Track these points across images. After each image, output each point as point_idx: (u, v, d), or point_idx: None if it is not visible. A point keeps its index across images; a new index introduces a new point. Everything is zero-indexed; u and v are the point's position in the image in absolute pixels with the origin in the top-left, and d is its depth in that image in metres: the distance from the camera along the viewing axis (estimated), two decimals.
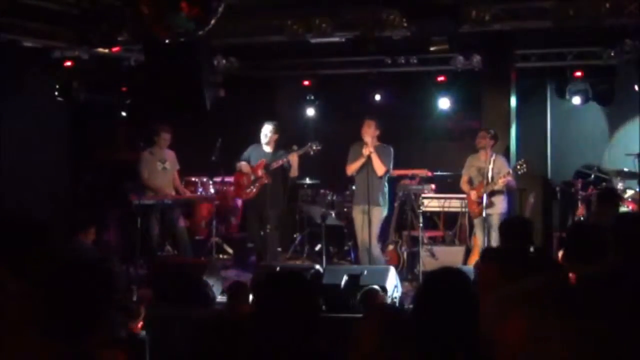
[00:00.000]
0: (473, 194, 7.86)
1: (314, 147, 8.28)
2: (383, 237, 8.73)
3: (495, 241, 7.64)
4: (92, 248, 7.15)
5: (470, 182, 8.06)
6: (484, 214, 7.71)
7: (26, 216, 3.02)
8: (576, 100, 9.22)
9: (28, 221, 2.92)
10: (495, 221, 7.69)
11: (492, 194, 7.73)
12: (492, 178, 7.68)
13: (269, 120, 8.62)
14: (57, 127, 9.02)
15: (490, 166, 7.72)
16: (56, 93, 8.35)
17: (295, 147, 8.38)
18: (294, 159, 8.23)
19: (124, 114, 9.36)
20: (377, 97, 9.91)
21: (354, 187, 8.27)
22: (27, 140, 8.52)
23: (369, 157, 7.68)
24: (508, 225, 4.98)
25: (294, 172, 8.38)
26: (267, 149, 8.46)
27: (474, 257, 7.69)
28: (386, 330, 2.36)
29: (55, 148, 9.00)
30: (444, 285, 2.53)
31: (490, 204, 7.71)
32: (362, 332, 2.38)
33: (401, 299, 7.03)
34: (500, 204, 7.81)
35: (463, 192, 8.35)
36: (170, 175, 8.82)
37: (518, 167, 7.62)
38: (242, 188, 8.54)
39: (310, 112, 10.41)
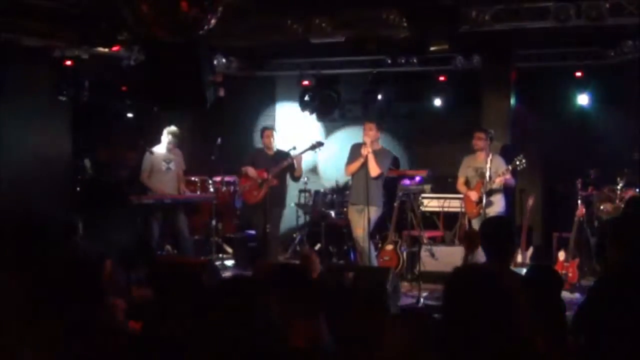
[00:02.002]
0: (473, 195, 7.84)
1: (316, 146, 8.33)
2: (382, 237, 8.73)
3: None
4: (89, 246, 7.13)
5: (467, 183, 8.04)
6: (482, 214, 7.70)
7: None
8: (577, 100, 9.23)
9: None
10: None
11: (490, 193, 7.72)
12: (490, 177, 7.67)
13: (270, 125, 8.68)
14: (58, 126, 9.02)
15: (488, 165, 7.70)
16: (58, 94, 8.35)
17: (295, 147, 8.40)
18: (298, 159, 8.29)
19: (130, 115, 9.37)
20: (377, 97, 9.91)
21: (350, 187, 8.30)
22: (27, 139, 8.52)
23: (367, 158, 7.69)
24: (487, 225, 4.47)
25: (299, 171, 8.43)
26: (270, 152, 8.53)
27: None
28: (416, 333, 2.32)
29: (56, 147, 9.00)
30: (472, 284, 2.51)
31: (488, 204, 7.70)
32: (391, 335, 2.34)
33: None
34: (499, 203, 7.80)
35: (460, 193, 8.36)
36: (174, 175, 8.82)
37: (517, 162, 7.60)
38: (250, 192, 8.58)
39: (310, 111, 10.41)
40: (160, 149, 8.71)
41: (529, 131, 9.70)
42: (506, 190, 7.95)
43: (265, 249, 8.43)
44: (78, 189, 9.22)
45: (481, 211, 7.71)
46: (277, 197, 8.41)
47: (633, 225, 3.64)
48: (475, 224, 7.85)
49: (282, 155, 8.43)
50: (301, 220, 9.82)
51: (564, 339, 3.38)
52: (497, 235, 4.02)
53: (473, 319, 2.39)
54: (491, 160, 7.70)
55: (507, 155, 8.37)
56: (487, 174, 7.66)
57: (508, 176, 7.66)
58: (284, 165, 8.29)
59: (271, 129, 8.63)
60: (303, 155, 8.40)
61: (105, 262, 4.90)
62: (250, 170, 8.49)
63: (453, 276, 2.68)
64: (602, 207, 8.40)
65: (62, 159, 9.09)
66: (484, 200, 7.64)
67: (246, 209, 9.18)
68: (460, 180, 8.12)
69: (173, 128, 8.78)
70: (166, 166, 8.73)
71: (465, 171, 8.09)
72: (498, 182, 7.61)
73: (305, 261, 5.82)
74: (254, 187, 8.46)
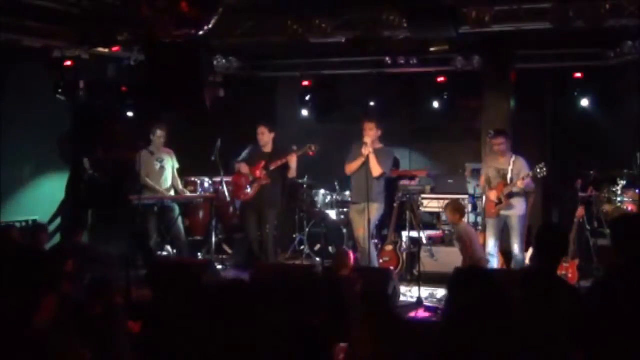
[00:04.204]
0: (493, 195, 7.80)
1: (313, 148, 8.28)
2: (382, 238, 8.73)
3: (515, 243, 7.60)
4: (89, 246, 7.15)
5: (488, 182, 7.99)
6: (502, 214, 7.69)
7: None
8: (577, 101, 9.22)
9: None
10: (514, 223, 7.62)
11: (511, 195, 7.66)
12: (512, 179, 7.65)
13: (264, 121, 8.63)
14: (57, 127, 9.02)
15: (510, 167, 7.68)
16: (56, 93, 8.35)
17: (294, 147, 8.39)
18: (292, 159, 8.24)
19: (130, 114, 9.38)
20: (377, 98, 9.91)
21: (351, 187, 8.31)
22: (27, 139, 8.52)
23: (367, 157, 7.70)
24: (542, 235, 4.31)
25: (293, 172, 8.38)
26: (266, 149, 8.47)
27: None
28: (384, 333, 2.37)
29: (55, 147, 9.00)
30: (474, 285, 2.52)
31: (510, 206, 7.67)
32: (360, 335, 2.39)
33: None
34: (520, 206, 7.74)
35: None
36: (168, 175, 8.82)
37: (538, 170, 7.54)
38: (241, 189, 8.54)
39: (310, 112, 10.40)
40: (154, 148, 8.74)
41: (528, 132, 9.70)
42: (526, 192, 7.86)
43: (262, 250, 8.44)
44: (78, 189, 9.21)
45: (500, 213, 7.70)
46: (273, 198, 8.39)
47: (633, 226, 3.64)
48: (491, 224, 7.81)
49: (278, 154, 8.39)
50: (301, 221, 9.82)
51: (561, 339, 3.38)
52: (552, 243, 4.02)
53: (475, 317, 2.40)
54: (514, 162, 7.69)
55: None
56: (509, 176, 7.65)
57: (529, 180, 7.62)
58: (277, 164, 8.28)
59: (263, 125, 8.51)
60: (300, 157, 8.37)
61: (67, 260, 4.92)
62: (243, 167, 8.48)
63: (456, 276, 2.69)
64: (602, 208, 8.40)
65: (62, 158, 9.09)
66: (503, 202, 7.63)
67: (244, 209, 9.17)
68: (483, 179, 8.05)
69: (161, 125, 8.80)
70: (159, 165, 8.74)
71: (487, 170, 8.01)
72: (520, 185, 7.57)
73: (340, 259, 6.01)
74: (246, 183, 8.45)
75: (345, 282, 5.74)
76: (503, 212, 7.68)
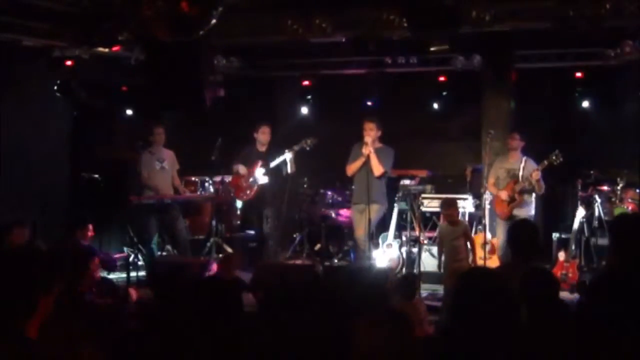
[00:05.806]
0: (503, 194, 7.80)
1: (309, 142, 8.33)
2: (382, 237, 8.72)
3: None
4: (88, 246, 7.15)
5: (497, 183, 7.98)
6: (513, 214, 7.69)
7: None
8: (577, 100, 9.22)
9: None
10: None
11: (522, 192, 7.70)
12: (522, 178, 7.67)
13: (264, 122, 8.69)
14: (57, 126, 9.02)
15: (522, 165, 7.72)
16: (56, 92, 8.35)
17: (295, 148, 8.42)
18: (289, 156, 8.30)
19: (129, 112, 9.38)
20: (377, 97, 9.91)
21: (353, 187, 8.32)
22: (27, 139, 8.52)
23: (368, 157, 7.71)
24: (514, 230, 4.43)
25: (291, 168, 8.42)
26: (262, 149, 8.53)
27: (477, 258, 7.63)
28: (386, 330, 2.38)
29: (55, 147, 9.00)
30: (480, 287, 2.52)
31: (521, 206, 7.68)
32: (361, 332, 2.40)
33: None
34: (530, 206, 7.76)
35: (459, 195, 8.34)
36: (169, 175, 8.82)
37: (554, 157, 7.57)
38: (242, 190, 8.59)
39: (310, 112, 10.40)
40: (156, 148, 8.75)
41: (528, 132, 9.69)
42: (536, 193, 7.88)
43: (262, 249, 8.47)
44: (78, 189, 9.21)
45: (512, 212, 7.70)
46: (270, 196, 8.44)
47: (633, 225, 3.65)
48: (504, 226, 7.79)
49: (275, 153, 8.44)
50: (301, 221, 9.82)
51: (563, 338, 3.38)
52: (522, 237, 4.06)
53: (480, 319, 2.40)
54: (525, 161, 7.73)
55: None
56: (520, 175, 7.67)
57: (539, 174, 7.63)
58: (275, 162, 8.33)
59: (266, 124, 8.63)
60: (299, 153, 8.41)
61: (93, 259, 4.90)
62: (242, 168, 8.52)
63: (462, 279, 2.69)
64: (602, 208, 8.40)
65: (62, 158, 9.09)
66: (517, 199, 7.64)
67: (245, 209, 9.19)
68: (491, 181, 8.04)
69: (159, 123, 8.82)
70: (160, 165, 8.74)
71: (496, 172, 8.02)
72: (534, 176, 7.57)
73: (225, 262, 6.16)
74: (245, 184, 8.49)
75: (238, 283, 5.92)
76: (514, 212, 7.69)
